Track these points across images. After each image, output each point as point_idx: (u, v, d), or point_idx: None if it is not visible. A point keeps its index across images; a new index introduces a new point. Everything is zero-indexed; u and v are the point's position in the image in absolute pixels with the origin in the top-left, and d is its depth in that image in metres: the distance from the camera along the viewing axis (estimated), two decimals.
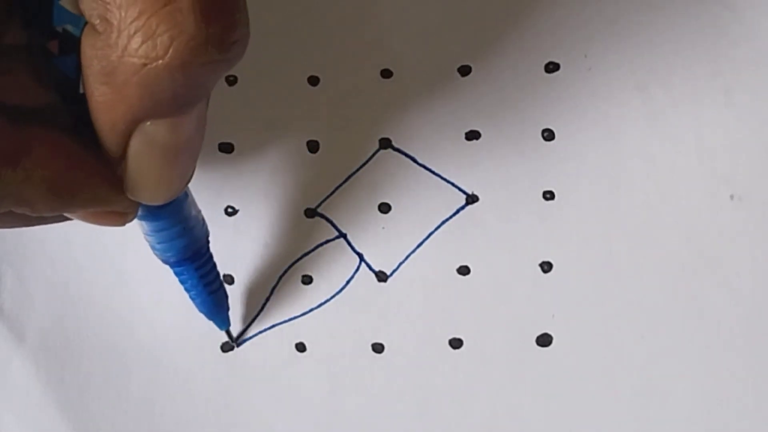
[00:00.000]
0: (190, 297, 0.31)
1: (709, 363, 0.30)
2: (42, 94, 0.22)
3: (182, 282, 0.30)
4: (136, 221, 0.25)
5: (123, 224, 0.24)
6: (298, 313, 0.32)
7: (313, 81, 0.33)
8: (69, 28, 0.20)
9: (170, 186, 0.23)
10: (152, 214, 0.26)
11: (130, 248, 0.33)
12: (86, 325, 0.33)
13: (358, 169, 0.33)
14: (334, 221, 0.33)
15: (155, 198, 0.23)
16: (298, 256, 0.33)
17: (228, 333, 0.33)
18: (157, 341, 0.33)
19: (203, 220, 0.29)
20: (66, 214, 0.24)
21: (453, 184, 0.32)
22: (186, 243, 0.28)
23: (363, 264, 0.32)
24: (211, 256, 0.30)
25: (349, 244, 0.33)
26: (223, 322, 0.32)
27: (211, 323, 0.32)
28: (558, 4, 0.32)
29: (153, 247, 0.28)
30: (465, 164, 0.32)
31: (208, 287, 0.30)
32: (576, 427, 0.31)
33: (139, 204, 0.24)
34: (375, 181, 0.33)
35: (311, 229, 0.33)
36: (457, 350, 0.32)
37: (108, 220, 0.24)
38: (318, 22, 0.33)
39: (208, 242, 0.29)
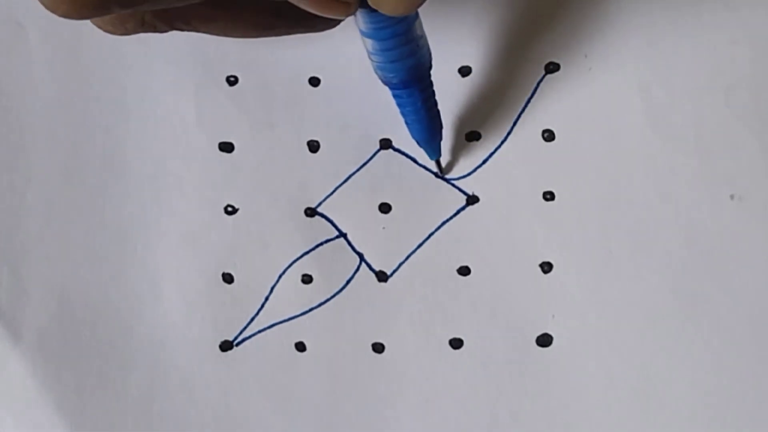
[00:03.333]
0: (407, 123, 0.30)
1: (709, 363, 0.30)
2: None
3: (401, 106, 0.30)
4: (363, 40, 0.26)
5: (345, 16, 0.25)
6: (298, 313, 0.32)
7: (314, 81, 0.33)
8: None
9: None
10: (384, 31, 0.26)
11: (128, 246, 0.33)
12: (83, 324, 0.33)
13: (358, 169, 0.33)
14: (335, 221, 0.33)
15: (397, 8, 0.24)
16: (298, 255, 0.33)
17: (438, 163, 0.32)
18: (156, 340, 0.33)
19: (428, 45, 0.28)
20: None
21: (453, 185, 0.32)
22: (412, 64, 0.28)
23: (363, 264, 0.32)
24: (431, 83, 0.29)
25: (350, 243, 0.33)
26: (434, 151, 0.32)
27: (210, 320, 0.32)
28: (558, 4, 0.32)
29: (378, 68, 0.28)
30: (465, 164, 0.32)
31: (428, 113, 0.30)
32: (576, 427, 0.31)
33: None
34: (375, 181, 0.33)
35: (311, 229, 0.33)
36: (457, 350, 0.32)
37: (331, 9, 0.24)
38: None
39: (430, 67, 0.29)
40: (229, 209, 0.33)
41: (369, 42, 0.27)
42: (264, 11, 0.27)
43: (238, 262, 0.33)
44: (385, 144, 0.33)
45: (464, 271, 0.32)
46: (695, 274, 0.31)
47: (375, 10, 0.25)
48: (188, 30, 0.28)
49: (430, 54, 0.28)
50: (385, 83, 0.28)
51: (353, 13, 0.25)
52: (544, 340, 0.31)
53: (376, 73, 0.28)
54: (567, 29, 0.32)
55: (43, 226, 0.34)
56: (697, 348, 0.30)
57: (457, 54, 0.33)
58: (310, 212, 0.33)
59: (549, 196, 0.32)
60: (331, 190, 0.33)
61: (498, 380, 0.31)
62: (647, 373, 0.31)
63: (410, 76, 0.28)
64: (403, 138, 0.32)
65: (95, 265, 0.33)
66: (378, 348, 0.32)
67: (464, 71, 0.33)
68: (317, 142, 0.33)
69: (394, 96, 0.29)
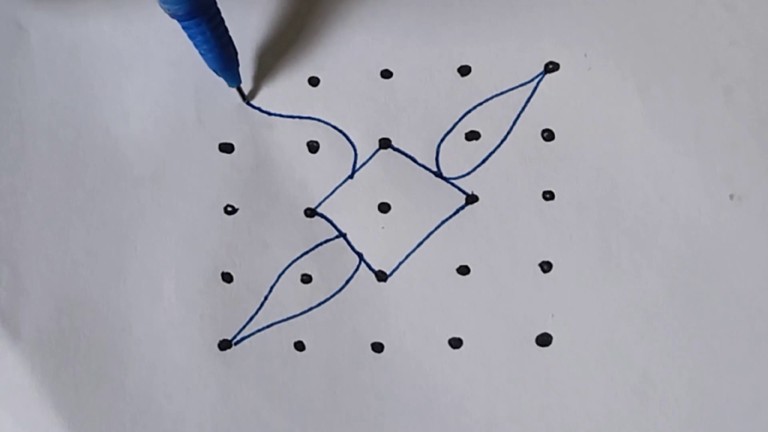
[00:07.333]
0: (202, 53, 0.32)
1: (709, 363, 0.30)
2: None
3: (192, 38, 0.31)
4: None
5: None
6: (298, 312, 0.32)
7: (313, 81, 0.33)
8: None
9: None
10: None
11: (128, 246, 0.33)
12: (82, 323, 0.33)
13: (358, 169, 0.33)
14: (334, 221, 0.33)
15: None
16: (298, 255, 0.33)
17: (239, 90, 0.33)
18: (154, 339, 0.33)
19: None
20: None
21: (453, 184, 0.32)
22: None
23: (363, 263, 0.32)
24: (219, 11, 0.30)
25: (349, 243, 0.33)
26: (233, 78, 0.33)
27: (209, 319, 0.32)
28: (558, 4, 0.32)
29: (164, 2, 0.29)
30: (465, 164, 0.32)
31: (219, 40, 0.31)
32: (576, 427, 0.31)
33: None
34: (375, 181, 0.33)
35: (311, 229, 0.33)
36: (457, 350, 0.32)
37: None
38: (318, 22, 0.34)
39: None
40: (229, 209, 0.33)
41: None
42: None
43: (238, 261, 0.33)
44: (385, 144, 0.33)
45: (464, 270, 0.32)
46: (695, 274, 0.31)
47: None
48: None
49: None
50: (173, 16, 0.30)
51: None
52: (544, 340, 0.31)
53: (162, 7, 0.29)
54: (567, 29, 0.32)
55: (43, 226, 0.34)
56: (697, 348, 0.30)
57: (456, 53, 0.33)
58: (310, 212, 0.33)
59: (549, 195, 0.32)
60: (331, 190, 0.33)
61: (498, 380, 0.31)
62: (647, 373, 0.30)
63: (194, 6, 0.29)
64: (403, 138, 0.33)
65: (95, 264, 0.33)
66: (378, 348, 0.32)
67: (464, 71, 0.33)
68: (317, 142, 0.33)
69: (185, 29, 0.30)
